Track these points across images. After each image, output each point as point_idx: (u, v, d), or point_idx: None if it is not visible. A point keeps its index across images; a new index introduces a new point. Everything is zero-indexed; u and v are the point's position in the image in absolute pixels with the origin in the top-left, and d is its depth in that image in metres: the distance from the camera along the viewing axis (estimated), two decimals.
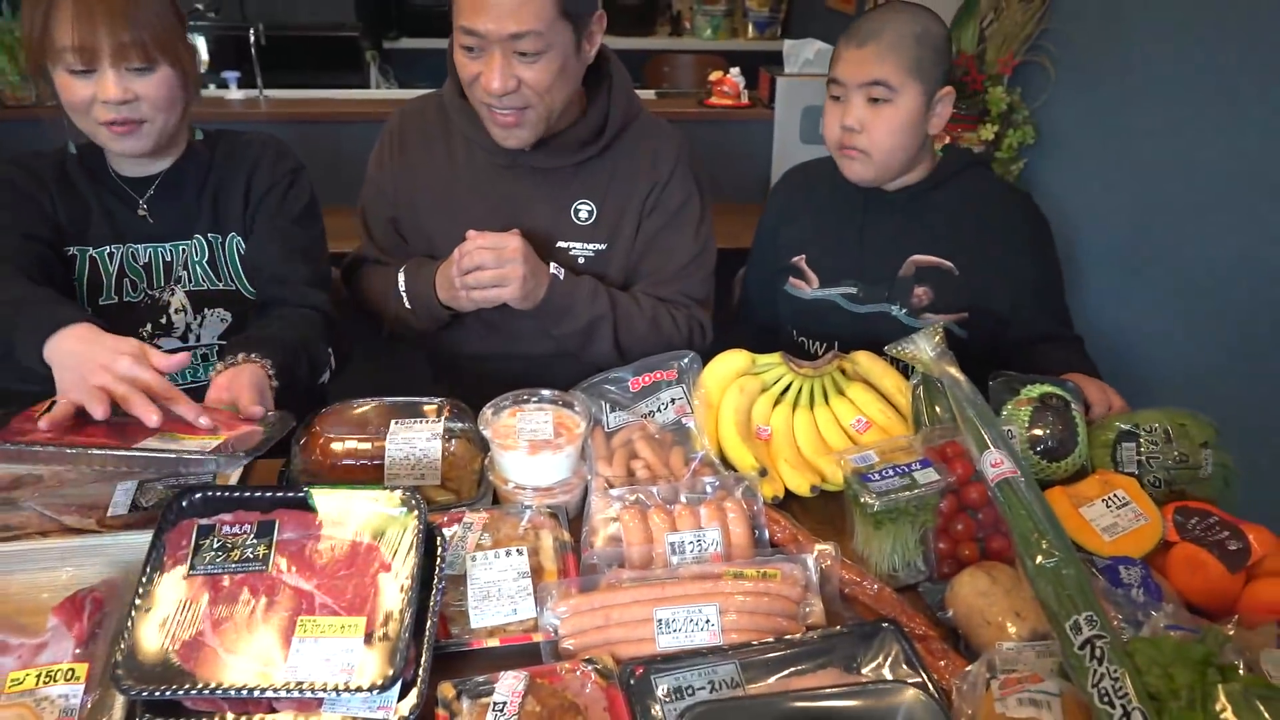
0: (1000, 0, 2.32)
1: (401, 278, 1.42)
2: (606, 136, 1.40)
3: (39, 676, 0.83)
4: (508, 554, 1.00)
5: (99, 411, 0.93)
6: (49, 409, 0.97)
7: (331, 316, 1.36)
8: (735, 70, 2.57)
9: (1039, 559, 0.84)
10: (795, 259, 1.55)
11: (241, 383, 1.09)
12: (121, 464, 0.98)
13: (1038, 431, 1.14)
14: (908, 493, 0.99)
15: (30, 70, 1.21)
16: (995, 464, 0.95)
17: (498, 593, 0.95)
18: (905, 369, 1.31)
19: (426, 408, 1.18)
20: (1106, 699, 0.69)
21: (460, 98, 1.38)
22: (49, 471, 1.13)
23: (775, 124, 2.48)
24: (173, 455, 0.92)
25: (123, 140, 1.21)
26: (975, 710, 0.80)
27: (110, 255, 1.32)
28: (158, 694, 0.81)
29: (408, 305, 1.42)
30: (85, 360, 0.98)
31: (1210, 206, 1.79)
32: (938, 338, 1.15)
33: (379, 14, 4.58)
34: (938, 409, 1.17)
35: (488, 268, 1.27)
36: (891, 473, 1.01)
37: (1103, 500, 1.06)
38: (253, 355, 1.14)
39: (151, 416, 0.94)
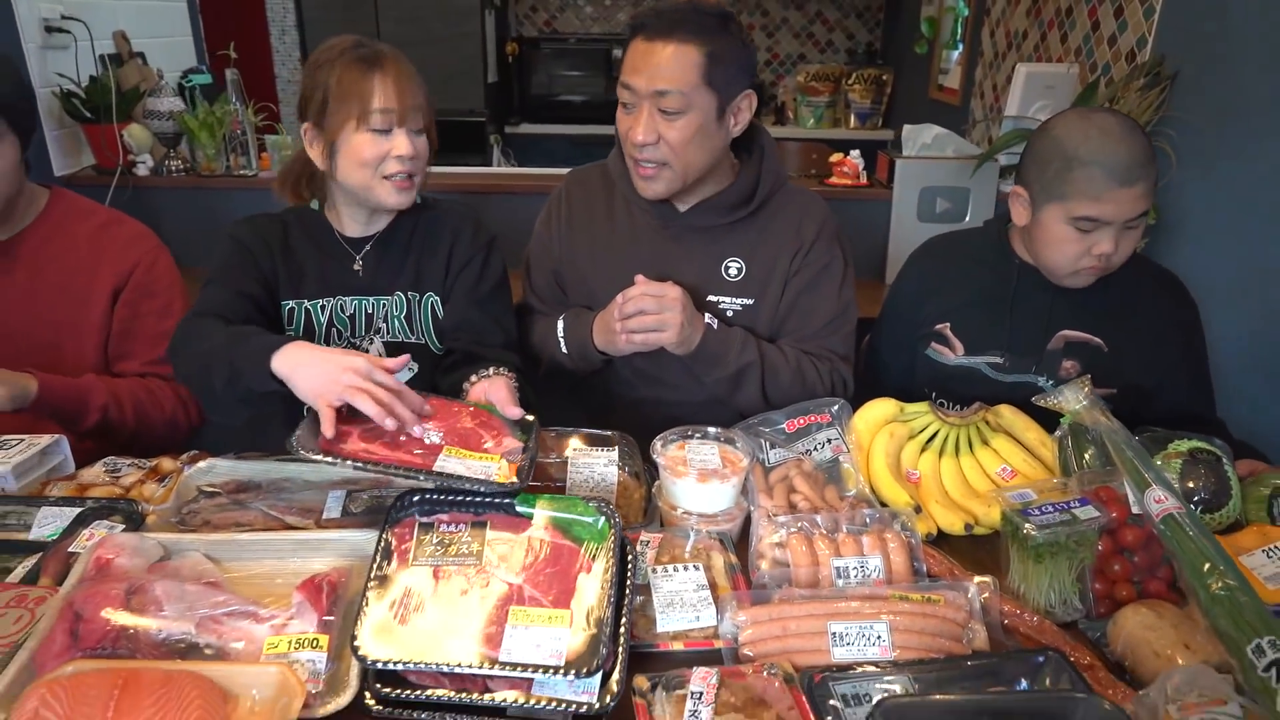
0: (1117, 90, 2.40)
1: (561, 325, 1.55)
2: (756, 200, 1.52)
3: (290, 643, 0.94)
4: (686, 568, 1.08)
5: (371, 409, 1.07)
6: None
7: (524, 372, 1.47)
8: (855, 152, 2.70)
9: (1214, 587, 0.88)
10: (939, 326, 1.59)
11: (498, 387, 1.26)
12: (418, 478, 1.09)
13: (1190, 484, 1.18)
14: (1068, 528, 1.04)
15: (308, 125, 1.39)
16: (1159, 500, 0.99)
17: (680, 601, 1.03)
18: (1045, 425, 1.36)
19: (601, 438, 1.29)
20: None
21: (624, 165, 1.54)
22: (267, 480, 1.28)
23: (893, 203, 2.59)
24: (465, 477, 1.06)
25: (402, 193, 1.39)
26: None
27: (322, 307, 1.47)
28: (390, 665, 0.91)
29: (564, 350, 1.55)
30: (326, 364, 1.12)
31: None
32: (1086, 389, 1.21)
33: (503, 102, 4.96)
34: (1086, 456, 1.21)
35: (649, 313, 1.39)
36: (1051, 509, 1.06)
37: (1263, 550, 1.08)
38: (501, 370, 1.31)
39: (415, 429, 1.10)
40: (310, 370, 1.14)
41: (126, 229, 1.60)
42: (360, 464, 1.04)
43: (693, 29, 1.35)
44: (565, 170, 2.91)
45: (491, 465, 1.07)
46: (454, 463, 1.06)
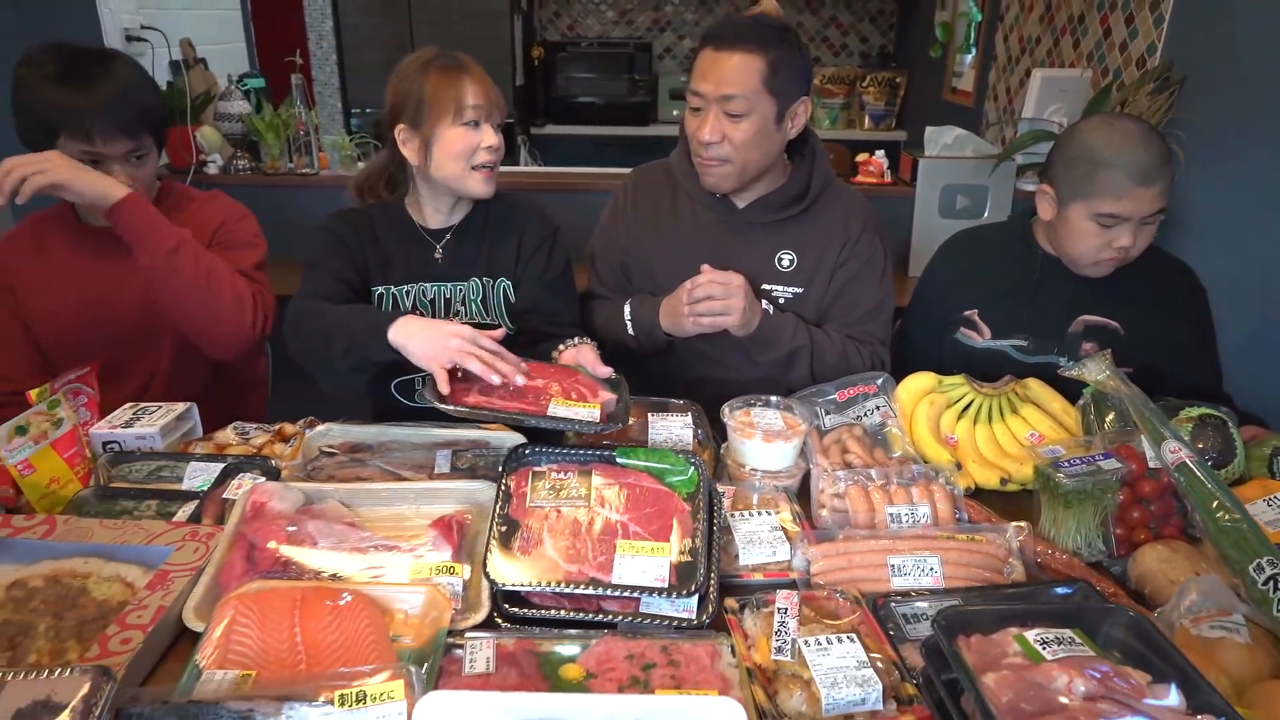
0: (1128, 94, 2.56)
1: (627, 309, 1.71)
2: (808, 199, 1.68)
3: (430, 569, 1.10)
4: (759, 513, 1.24)
5: (478, 368, 1.24)
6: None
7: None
8: (880, 152, 2.86)
9: (1222, 520, 1.04)
10: (968, 312, 1.74)
11: (585, 352, 1.42)
12: (535, 422, 1.26)
13: (1200, 445, 1.33)
14: (1093, 477, 1.20)
15: (402, 126, 1.53)
16: (1174, 450, 1.15)
17: (758, 539, 1.19)
18: (1068, 397, 1.52)
19: (675, 405, 1.46)
20: None
21: (688, 163, 1.70)
22: (377, 442, 1.44)
23: (916, 200, 2.75)
24: (572, 419, 1.23)
25: (488, 184, 1.55)
26: (1170, 638, 0.99)
27: (407, 292, 1.63)
28: (517, 588, 1.07)
29: (630, 332, 1.71)
30: (436, 332, 1.29)
31: None
32: (1107, 361, 1.36)
33: (530, 104, 5.12)
34: (1106, 421, 1.37)
35: (716, 298, 1.54)
36: (1079, 461, 1.22)
37: (1264, 500, 1.24)
38: (585, 340, 1.46)
39: (518, 378, 1.27)
40: (422, 338, 1.31)
41: (224, 201, 1.77)
42: (488, 411, 1.21)
43: (756, 40, 1.52)
44: (591, 170, 3.09)
45: (595, 411, 1.24)
46: (563, 409, 1.23)
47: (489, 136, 1.52)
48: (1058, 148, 1.58)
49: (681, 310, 1.58)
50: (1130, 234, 1.51)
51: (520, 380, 1.27)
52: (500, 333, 1.36)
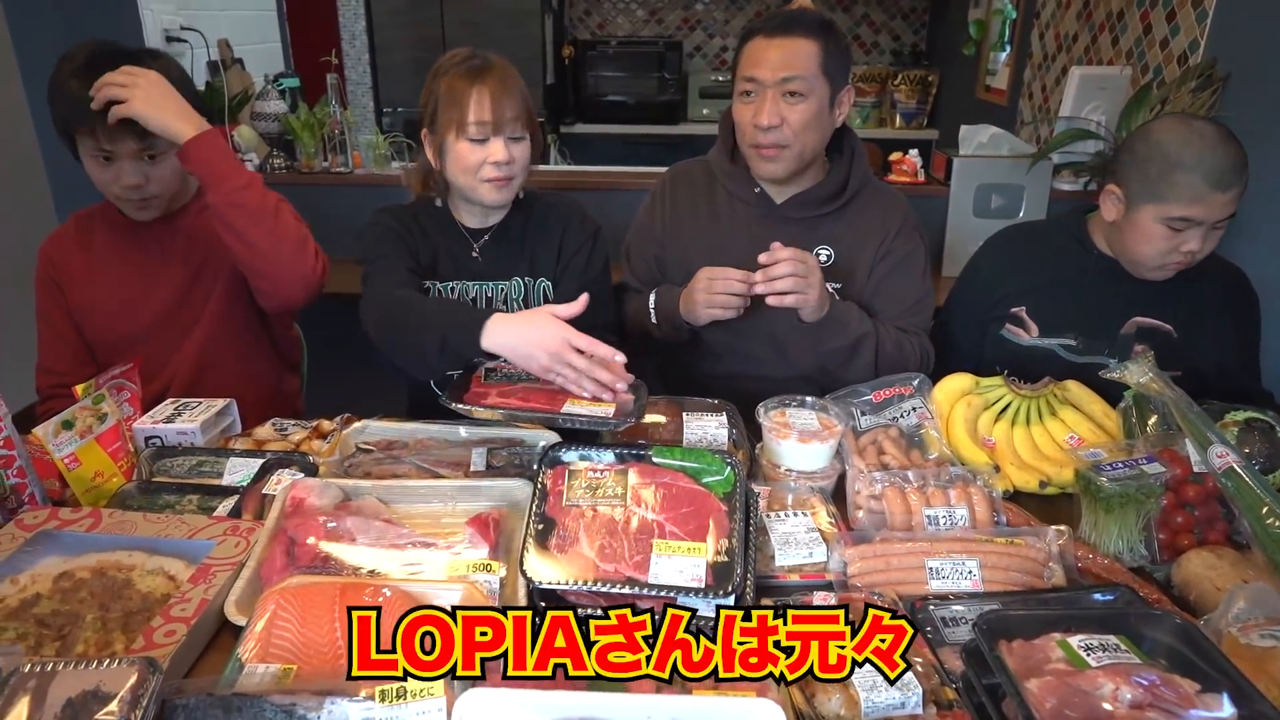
0: (1169, 92, 2.51)
1: (652, 298, 1.72)
2: (847, 195, 1.68)
3: (468, 566, 1.11)
4: (795, 514, 1.24)
5: (571, 387, 1.31)
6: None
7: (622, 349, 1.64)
8: (914, 151, 2.84)
9: (1272, 525, 1.01)
10: (1015, 309, 1.71)
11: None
12: (544, 421, 1.30)
13: (1246, 449, 1.30)
14: (1136, 481, 1.18)
15: (425, 129, 1.55)
16: (1220, 455, 1.13)
17: (794, 540, 1.19)
18: (1109, 400, 1.49)
19: (709, 404, 1.45)
20: None
21: (727, 161, 1.70)
22: (413, 440, 1.45)
23: (950, 199, 2.72)
24: (585, 416, 1.25)
25: (500, 192, 1.54)
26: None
27: (451, 289, 1.64)
28: (553, 586, 1.07)
29: (654, 320, 1.71)
30: (527, 346, 1.30)
31: None
32: (1149, 363, 1.34)
33: (560, 103, 5.14)
34: (1149, 424, 1.35)
35: (798, 275, 1.49)
36: (1121, 465, 1.20)
37: None
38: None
39: (614, 388, 1.32)
40: (517, 353, 1.32)
41: None
42: (504, 411, 1.22)
43: (807, 26, 1.56)
44: (622, 169, 3.10)
45: (610, 409, 1.25)
46: (576, 408, 1.24)
47: (496, 151, 1.49)
48: (1128, 148, 1.55)
49: (696, 298, 1.58)
50: (1199, 238, 1.48)
51: (621, 386, 1.31)
52: (583, 300, 1.37)
